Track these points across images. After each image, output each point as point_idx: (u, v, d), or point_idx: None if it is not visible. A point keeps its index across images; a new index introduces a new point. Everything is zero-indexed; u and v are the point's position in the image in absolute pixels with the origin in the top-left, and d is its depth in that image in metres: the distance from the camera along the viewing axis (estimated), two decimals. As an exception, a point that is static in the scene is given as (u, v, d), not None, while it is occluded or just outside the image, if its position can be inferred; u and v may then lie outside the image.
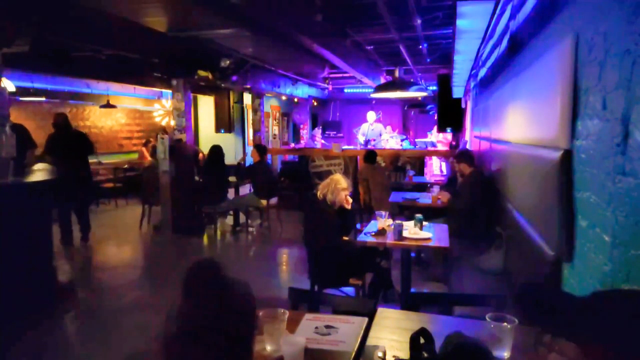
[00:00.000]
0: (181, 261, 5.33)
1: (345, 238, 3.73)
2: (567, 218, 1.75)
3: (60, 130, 6.07)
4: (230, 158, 10.87)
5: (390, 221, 3.68)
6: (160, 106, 11.63)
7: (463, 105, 8.39)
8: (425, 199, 5.31)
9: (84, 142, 6.26)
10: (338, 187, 3.62)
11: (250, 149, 9.37)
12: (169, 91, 8.11)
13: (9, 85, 5.77)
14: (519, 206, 2.81)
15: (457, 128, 8.49)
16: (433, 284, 4.39)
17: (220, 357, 1.02)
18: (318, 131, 13.25)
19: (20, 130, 6.10)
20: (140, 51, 6.33)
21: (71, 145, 6.07)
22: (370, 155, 6.35)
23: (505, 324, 1.45)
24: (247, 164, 7.64)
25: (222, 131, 11.02)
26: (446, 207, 4.86)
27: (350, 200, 3.72)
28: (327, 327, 1.73)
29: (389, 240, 3.44)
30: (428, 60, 8.58)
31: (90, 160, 7.72)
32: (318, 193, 3.69)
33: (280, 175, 8.96)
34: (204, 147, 9.56)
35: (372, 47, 7.77)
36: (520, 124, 2.84)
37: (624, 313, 0.80)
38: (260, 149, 6.89)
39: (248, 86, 8.59)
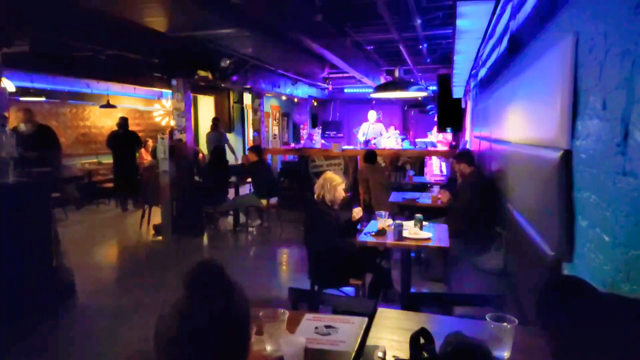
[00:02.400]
0: (181, 261, 5.33)
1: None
2: (567, 218, 1.75)
3: (120, 129, 8.31)
4: (230, 158, 10.87)
5: (390, 221, 3.68)
6: (160, 106, 11.63)
7: (463, 105, 8.38)
8: (425, 199, 5.31)
9: (135, 139, 8.46)
10: (333, 185, 3.62)
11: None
12: (169, 91, 8.11)
13: (9, 85, 5.78)
14: (519, 206, 2.81)
15: (457, 128, 8.49)
16: (433, 284, 4.39)
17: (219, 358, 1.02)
18: (316, 131, 13.23)
19: (46, 132, 6.80)
20: (140, 51, 6.33)
21: (127, 141, 8.25)
22: (370, 155, 6.35)
23: (505, 324, 1.45)
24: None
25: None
26: (446, 207, 4.86)
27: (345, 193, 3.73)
28: (327, 327, 1.73)
29: (389, 240, 3.44)
30: (428, 60, 8.59)
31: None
32: (315, 195, 3.69)
33: (280, 175, 8.96)
34: (204, 147, 9.57)
35: (372, 47, 7.78)
36: (520, 124, 2.84)
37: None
38: (255, 149, 6.91)
39: (248, 86, 8.59)
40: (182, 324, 1.00)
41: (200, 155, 7.74)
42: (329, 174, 3.72)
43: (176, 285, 1.06)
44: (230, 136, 11.42)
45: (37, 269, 3.95)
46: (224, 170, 6.91)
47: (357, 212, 3.74)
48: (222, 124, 9.52)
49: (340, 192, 3.64)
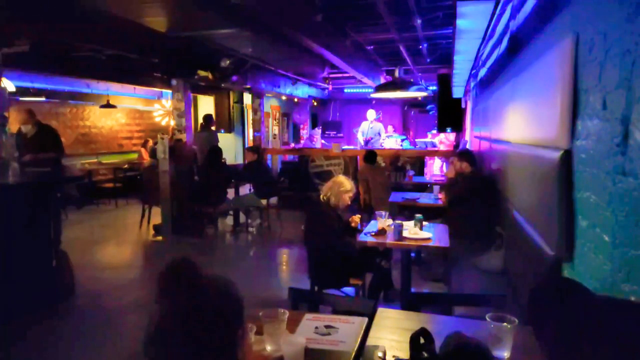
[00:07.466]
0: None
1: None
2: (567, 218, 1.75)
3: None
4: (230, 158, 10.86)
5: (390, 221, 3.67)
6: (160, 106, 11.63)
7: (463, 105, 8.38)
8: (425, 199, 5.31)
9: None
10: (341, 190, 3.62)
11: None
12: (169, 91, 8.11)
13: (9, 85, 5.78)
14: (519, 206, 2.81)
15: (457, 128, 8.49)
16: (433, 284, 4.39)
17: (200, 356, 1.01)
18: (316, 131, 13.21)
19: (48, 132, 5.99)
20: (140, 51, 6.32)
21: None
22: (370, 156, 6.35)
23: (505, 324, 1.45)
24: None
25: (222, 131, 11.02)
26: (446, 207, 4.86)
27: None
28: (327, 327, 1.73)
29: (389, 240, 3.43)
30: (428, 60, 8.59)
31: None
32: (321, 195, 3.69)
33: (280, 175, 8.96)
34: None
35: (372, 47, 7.78)
36: (520, 124, 2.84)
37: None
38: (253, 149, 6.91)
39: (248, 86, 8.59)
40: (156, 322, 1.00)
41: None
42: (341, 178, 3.72)
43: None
44: (230, 136, 11.43)
45: (37, 269, 3.95)
46: (221, 170, 6.91)
47: (355, 220, 3.75)
48: (215, 122, 9.30)
49: (346, 200, 3.64)
